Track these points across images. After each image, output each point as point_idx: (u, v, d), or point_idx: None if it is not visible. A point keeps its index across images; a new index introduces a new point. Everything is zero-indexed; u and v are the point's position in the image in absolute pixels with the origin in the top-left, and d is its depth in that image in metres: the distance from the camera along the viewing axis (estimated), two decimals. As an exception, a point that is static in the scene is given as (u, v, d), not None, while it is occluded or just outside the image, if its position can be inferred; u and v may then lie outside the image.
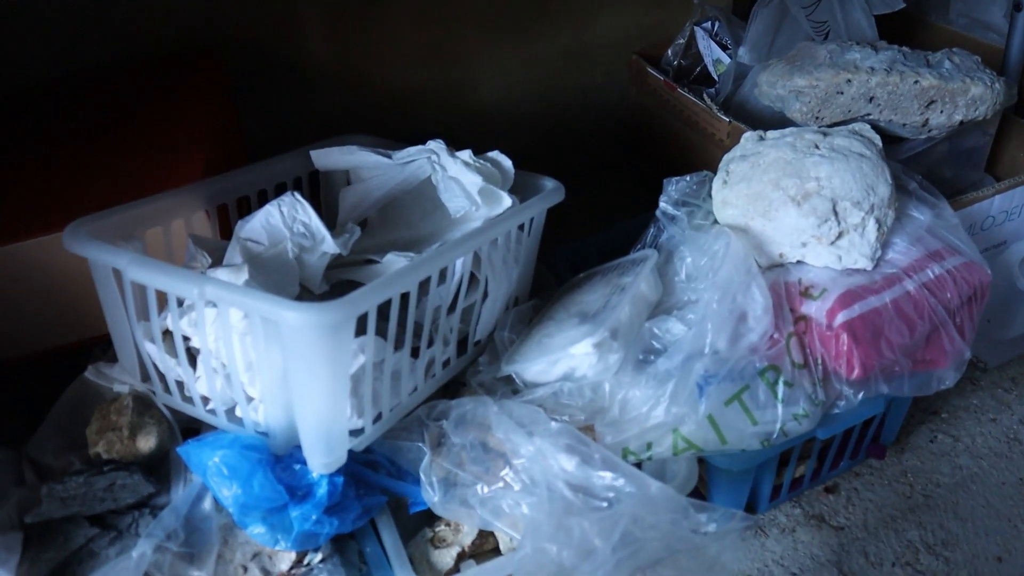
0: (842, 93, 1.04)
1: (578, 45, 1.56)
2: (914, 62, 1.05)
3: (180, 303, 0.82)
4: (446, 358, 0.96)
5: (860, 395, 0.96)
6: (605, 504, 0.80)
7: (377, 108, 1.43)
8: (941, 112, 1.05)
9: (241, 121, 1.30)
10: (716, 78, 1.43)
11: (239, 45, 1.30)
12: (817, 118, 1.07)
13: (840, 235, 0.96)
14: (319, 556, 0.87)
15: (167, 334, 0.86)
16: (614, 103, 1.58)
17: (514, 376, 0.95)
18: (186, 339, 0.85)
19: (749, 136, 1.05)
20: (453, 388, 1.01)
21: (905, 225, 1.01)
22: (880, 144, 1.00)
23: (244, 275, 0.82)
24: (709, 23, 1.43)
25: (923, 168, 1.08)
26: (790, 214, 0.96)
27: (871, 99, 1.04)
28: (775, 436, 0.92)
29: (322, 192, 1.13)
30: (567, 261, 1.20)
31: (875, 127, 1.04)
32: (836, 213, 0.95)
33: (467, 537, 0.90)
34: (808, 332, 0.96)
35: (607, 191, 1.44)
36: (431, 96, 1.48)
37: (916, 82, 1.02)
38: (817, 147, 0.98)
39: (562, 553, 0.76)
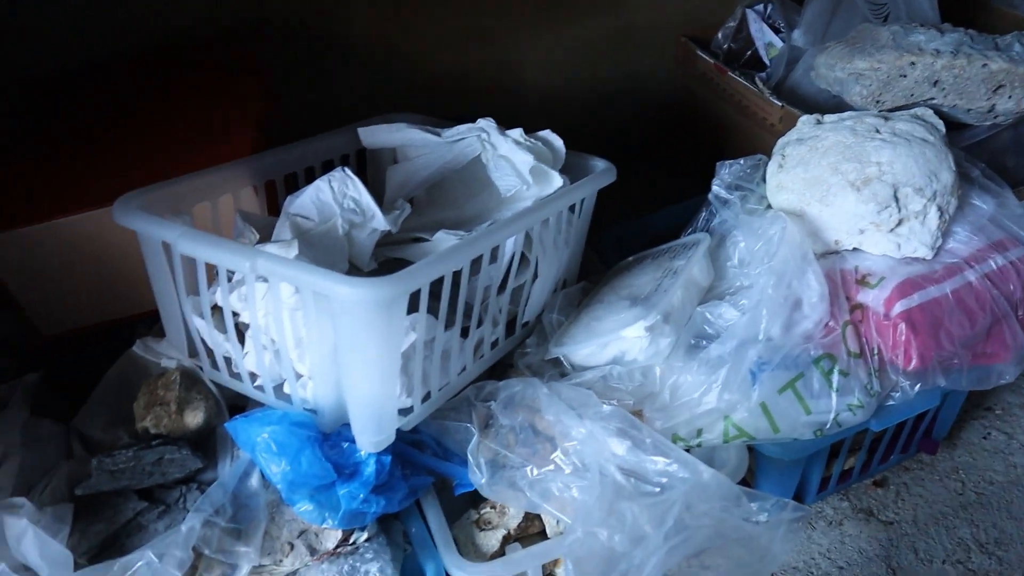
0: (905, 76, 1.01)
1: (624, 27, 1.53)
2: (982, 45, 1.02)
3: (230, 277, 0.82)
4: (495, 339, 0.94)
5: (917, 387, 0.93)
6: (657, 489, 0.79)
7: (421, 88, 1.42)
8: (1009, 97, 1.01)
9: (285, 101, 1.30)
10: (767, 62, 1.40)
11: (286, 25, 1.30)
12: (878, 102, 1.04)
13: (900, 222, 0.93)
14: (364, 535, 0.86)
15: (216, 309, 0.86)
16: (660, 87, 1.55)
17: (562, 359, 0.93)
18: (235, 314, 0.85)
19: (806, 119, 1.02)
20: (500, 370, 1.00)
21: (967, 214, 0.98)
22: (943, 130, 0.97)
23: (294, 250, 0.81)
24: (761, 6, 1.40)
25: (986, 156, 1.04)
26: (848, 199, 0.93)
27: (935, 83, 1.00)
28: (828, 426, 0.90)
29: (368, 171, 1.12)
30: (614, 245, 1.18)
31: (938, 112, 1.01)
32: (897, 199, 0.92)
33: (513, 520, 0.89)
34: (864, 321, 0.93)
35: (651, 176, 1.42)
36: (475, 77, 1.46)
37: (984, 65, 0.98)
38: (878, 131, 0.95)
39: (613, 538, 0.75)
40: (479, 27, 1.44)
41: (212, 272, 0.85)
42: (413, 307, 0.76)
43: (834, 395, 0.89)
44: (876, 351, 0.92)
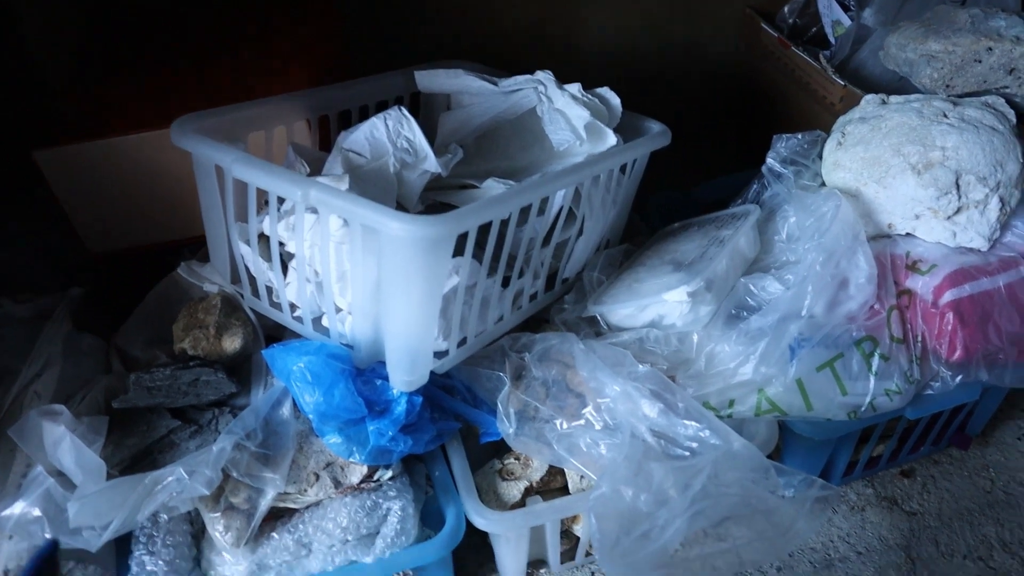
0: (980, 62, 0.98)
1: (688, -8, 1.50)
2: (1063, 35, 0.98)
3: (279, 207, 0.82)
4: (534, 291, 0.94)
5: (958, 379, 0.92)
6: (687, 454, 0.79)
7: (483, 39, 1.40)
8: (1085, 92, 0.98)
9: (351, 40, 1.29)
10: (833, 40, 1.36)
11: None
12: (948, 86, 1.01)
13: (959, 210, 0.91)
14: (389, 474, 0.87)
15: (262, 237, 0.86)
16: (723, 56, 1.52)
17: (599, 318, 0.93)
18: (281, 244, 0.85)
19: (871, 99, 1.00)
20: (535, 324, 1.00)
21: (1029, 208, 0.95)
22: (1014, 120, 0.95)
23: (345, 184, 0.81)
24: (832, -19, 1.36)
25: (1052, 152, 1.01)
26: (908, 182, 0.91)
27: (1011, 71, 0.97)
28: (863, 409, 0.89)
29: (421, 115, 1.11)
30: (661, 210, 1.17)
31: (1010, 102, 0.97)
32: (958, 187, 0.90)
33: (536, 473, 0.90)
34: (911, 307, 0.92)
35: (705, 144, 1.39)
36: (536, 32, 1.44)
37: (1064, 56, 0.95)
38: (946, 116, 0.93)
39: (639, 497, 0.75)
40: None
41: (261, 200, 0.85)
42: (458, 251, 0.76)
43: (872, 378, 0.88)
44: (920, 338, 0.91)
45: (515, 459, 0.92)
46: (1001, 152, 0.90)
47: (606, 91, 0.97)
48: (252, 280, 0.90)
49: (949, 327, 0.89)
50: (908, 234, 0.96)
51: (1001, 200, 0.91)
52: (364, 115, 0.98)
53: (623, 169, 0.97)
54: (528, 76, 0.98)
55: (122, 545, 0.83)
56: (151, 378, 0.86)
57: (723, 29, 1.49)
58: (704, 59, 1.53)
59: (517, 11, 1.41)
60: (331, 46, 1.16)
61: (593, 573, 1.00)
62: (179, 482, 0.77)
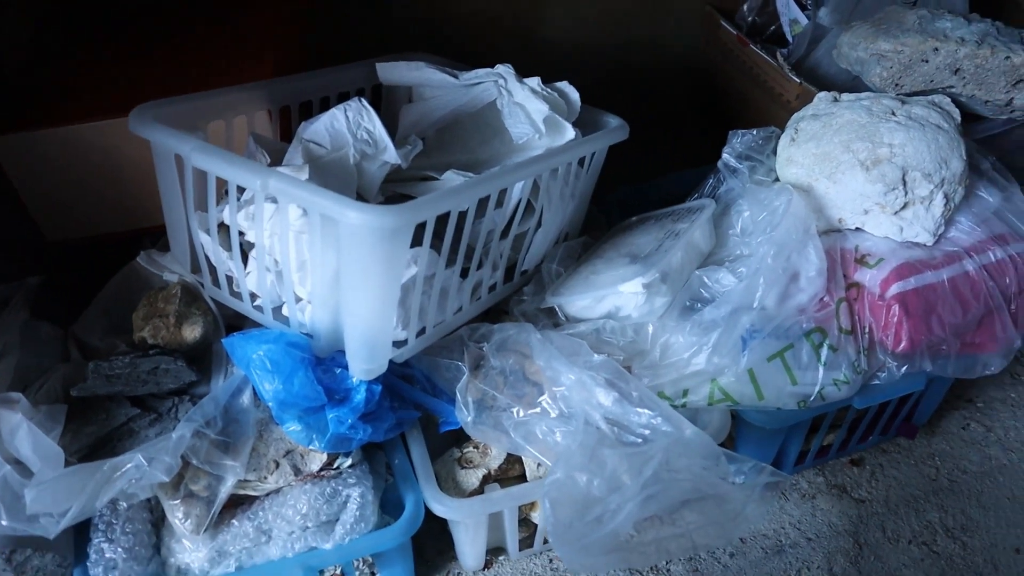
0: (927, 61, 1.01)
1: (652, -11, 1.52)
2: (1007, 37, 1.01)
3: (239, 196, 0.82)
4: (493, 283, 0.96)
5: (903, 369, 0.95)
6: (639, 441, 0.81)
7: (447, 32, 1.41)
8: (1027, 92, 1.01)
9: (312, 29, 1.29)
10: (790, 39, 1.39)
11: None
12: (896, 85, 1.04)
13: (905, 206, 0.94)
14: (349, 461, 0.88)
15: (222, 227, 0.87)
16: (683, 53, 1.54)
17: (557, 309, 0.95)
18: (241, 234, 0.86)
19: (823, 96, 1.02)
20: (494, 315, 1.01)
21: (972, 205, 0.99)
22: (959, 119, 0.98)
23: (304, 175, 0.81)
24: (790, -19, 1.38)
25: (998, 152, 1.04)
26: (857, 178, 0.94)
27: (956, 71, 1.00)
28: (812, 398, 0.92)
29: (383, 107, 1.12)
30: (620, 204, 1.19)
31: (955, 101, 1.01)
32: (905, 182, 0.93)
33: (494, 461, 0.91)
34: (859, 300, 0.94)
35: (664, 140, 1.42)
36: (499, 25, 1.46)
37: (1007, 58, 0.98)
38: (894, 114, 0.96)
39: (592, 483, 0.76)
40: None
41: (221, 190, 0.85)
42: (416, 242, 0.77)
43: (821, 369, 0.91)
44: (867, 330, 0.94)
45: (474, 447, 0.93)
46: (946, 150, 0.93)
47: (565, 85, 0.99)
48: (212, 269, 0.91)
49: (895, 319, 0.92)
50: (858, 228, 0.99)
51: (946, 196, 0.94)
52: (326, 106, 0.98)
53: (581, 163, 0.99)
54: (489, 70, 0.99)
55: (81, 533, 0.83)
56: (110, 366, 0.86)
57: (684, 26, 1.52)
58: (665, 55, 1.56)
59: (481, 4, 1.42)
60: (295, 36, 1.16)
61: (551, 560, 1.01)
62: (138, 469, 0.77)
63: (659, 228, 1.00)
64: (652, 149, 1.40)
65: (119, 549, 0.81)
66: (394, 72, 1.03)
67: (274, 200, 0.78)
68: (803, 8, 1.38)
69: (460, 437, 0.93)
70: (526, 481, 0.91)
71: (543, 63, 1.32)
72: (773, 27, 1.43)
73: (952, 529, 1.06)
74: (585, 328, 0.91)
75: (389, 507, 0.90)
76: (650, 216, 1.07)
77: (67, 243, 1.01)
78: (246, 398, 0.86)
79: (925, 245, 0.96)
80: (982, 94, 1.02)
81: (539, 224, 0.96)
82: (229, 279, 0.90)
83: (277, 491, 0.87)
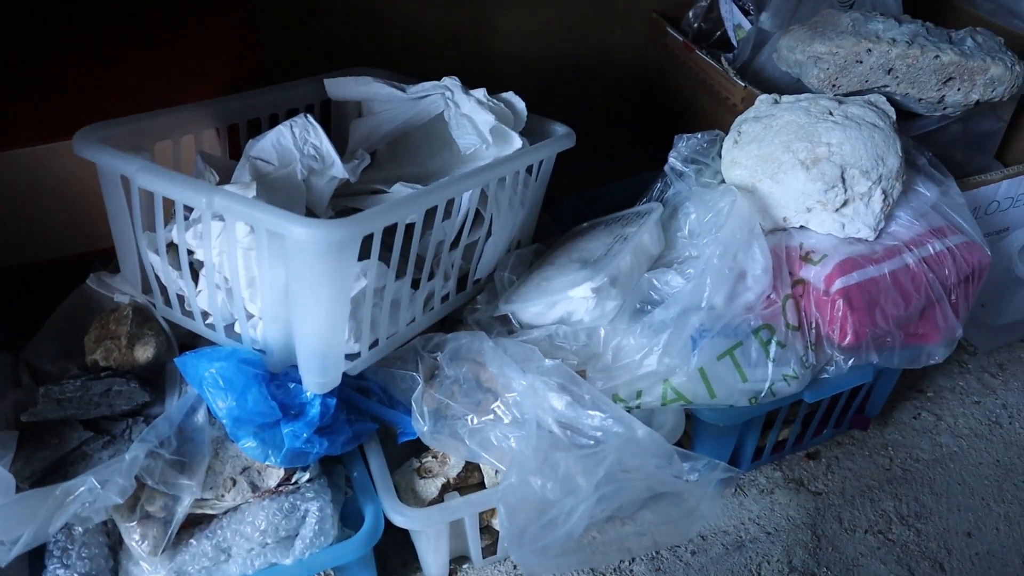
0: (861, 62, 1.03)
1: (601, -2, 1.54)
2: (936, 37, 1.05)
3: (187, 215, 0.83)
4: (445, 293, 0.96)
5: (850, 362, 0.97)
6: (592, 443, 0.82)
7: (396, 45, 1.42)
8: (958, 90, 1.04)
9: (260, 46, 1.29)
10: (735, 43, 1.42)
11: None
12: (834, 86, 1.07)
13: (845, 203, 0.96)
14: (307, 476, 0.88)
15: (171, 246, 0.87)
16: (631, 59, 1.56)
17: (510, 316, 0.96)
18: (190, 252, 0.86)
19: (764, 99, 1.05)
20: (449, 325, 1.02)
21: (911, 200, 1.01)
22: (894, 116, 1.00)
23: (252, 192, 0.82)
24: (733, -13, 1.41)
25: (934, 148, 1.08)
26: (798, 178, 0.96)
27: (889, 71, 1.03)
28: (763, 394, 0.93)
29: (333, 122, 1.13)
30: (573, 211, 1.20)
31: (891, 100, 1.04)
32: (844, 180, 0.95)
33: (453, 470, 0.92)
34: (805, 296, 0.97)
35: (617, 146, 1.44)
36: (449, 37, 1.47)
37: (936, 57, 1.01)
38: (831, 114, 0.98)
39: (546, 486, 0.77)
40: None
41: (169, 210, 0.85)
42: (365, 254, 0.78)
43: (770, 365, 0.93)
44: (814, 325, 0.96)
45: (433, 457, 0.94)
46: (882, 147, 0.96)
47: (511, 96, 1.00)
48: (163, 289, 0.91)
49: (840, 313, 0.94)
50: (802, 227, 1.01)
51: (884, 192, 0.96)
52: (275, 123, 0.98)
53: (530, 171, 1.00)
54: (435, 82, 1.00)
55: (37, 560, 0.83)
56: (61, 390, 0.85)
57: (632, 34, 1.54)
58: (614, 63, 1.58)
59: (430, 17, 1.43)
60: (243, 54, 1.16)
61: (515, 566, 1.02)
62: (91, 492, 0.77)
63: (609, 233, 1.01)
64: (605, 155, 1.42)
65: (76, 574, 0.81)
66: (342, 87, 1.04)
67: (221, 218, 0.78)
68: (746, 13, 1.40)
69: (419, 447, 0.93)
70: (485, 488, 0.92)
71: (495, 75, 1.33)
72: (718, 33, 1.45)
73: (906, 517, 1.08)
74: (538, 334, 0.92)
75: (350, 520, 0.90)
76: (600, 221, 1.09)
77: (17, 268, 1.00)
78: (201, 416, 0.86)
79: (867, 240, 0.99)
80: (915, 92, 1.05)
81: (489, 233, 0.97)
82: (180, 298, 0.90)
83: (235, 508, 0.87)
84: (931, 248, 0.98)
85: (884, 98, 1.02)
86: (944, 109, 1.08)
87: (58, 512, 0.76)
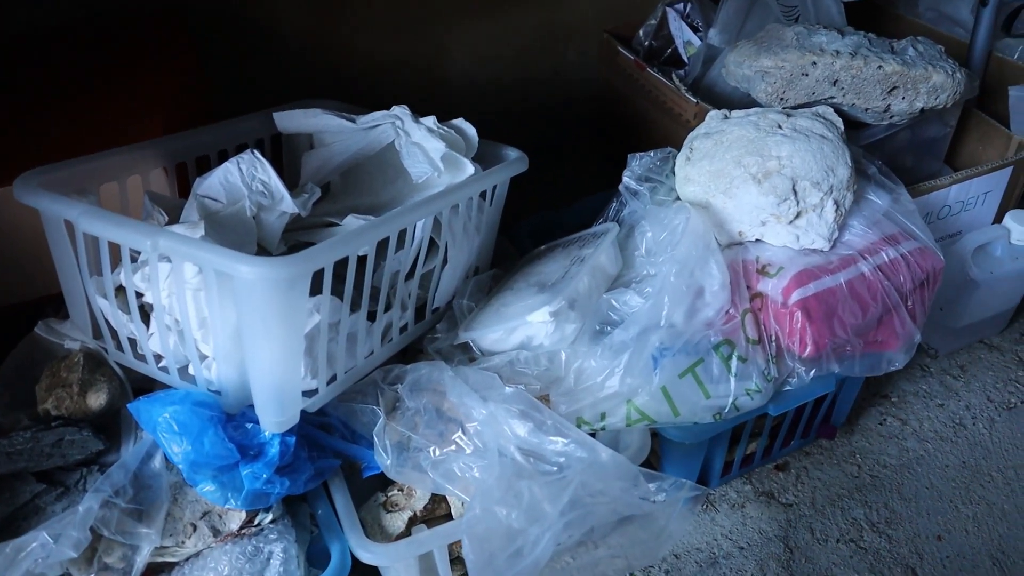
0: (807, 75, 1.05)
1: (551, 21, 1.56)
2: (879, 48, 1.06)
3: (134, 258, 0.81)
4: (404, 323, 0.95)
5: (812, 373, 0.97)
6: (555, 469, 0.81)
7: (348, 76, 1.42)
8: (903, 99, 1.06)
9: (209, 82, 1.28)
10: (686, 60, 1.43)
11: (214, 8, 1.29)
12: (782, 99, 1.08)
13: (799, 215, 0.97)
14: (270, 516, 0.86)
15: (120, 290, 0.85)
16: (584, 80, 1.58)
17: (471, 343, 0.95)
18: (139, 295, 0.84)
19: (714, 114, 1.06)
20: (410, 355, 1.01)
21: (863, 208, 1.02)
22: (842, 127, 1.02)
23: (200, 231, 0.81)
24: (681, 4, 1.43)
25: (884, 156, 1.09)
26: (750, 192, 0.97)
27: (835, 82, 1.05)
28: (727, 410, 0.93)
29: (284, 156, 1.12)
30: (530, 234, 1.20)
31: (838, 111, 1.05)
32: (795, 192, 0.96)
33: (419, 502, 0.90)
34: (763, 309, 0.97)
35: (574, 167, 1.45)
36: (401, 65, 1.47)
37: (880, 67, 1.03)
38: (780, 127, 0.99)
39: (511, 515, 0.76)
40: (409, 16, 1.45)
41: (116, 253, 0.84)
42: (317, 289, 0.77)
43: (733, 380, 0.93)
44: (774, 338, 0.96)
45: (399, 490, 0.92)
46: (831, 158, 0.97)
47: (461, 122, 1.00)
48: (114, 334, 0.89)
49: (799, 325, 0.95)
50: (758, 240, 1.01)
51: (836, 203, 0.97)
52: (223, 159, 0.97)
53: (484, 196, 1.00)
54: (385, 112, 1.00)
55: (-10, 621, 0.80)
56: (10, 443, 0.83)
57: (584, 55, 1.56)
58: (568, 84, 1.59)
59: (383, 47, 1.43)
60: (190, 90, 1.15)
61: (488, 595, 1.01)
62: (44, 547, 0.75)
63: (566, 255, 1.01)
64: (562, 177, 1.43)
65: (32, 633, 0.78)
66: (291, 120, 1.03)
67: (168, 259, 0.77)
68: (695, 30, 1.42)
69: (385, 481, 0.92)
70: (453, 519, 0.91)
71: (449, 101, 1.34)
72: (669, 50, 1.47)
73: (877, 523, 1.09)
74: (500, 360, 0.91)
75: (316, 559, 0.88)
76: (557, 244, 1.09)
77: (-37, 318, 0.98)
78: (157, 462, 0.84)
79: (822, 251, 0.99)
80: (861, 103, 1.06)
81: (445, 261, 0.96)
82: (132, 342, 0.88)
83: (197, 554, 0.85)
84: (885, 256, 0.99)
85: (832, 109, 1.04)
86: (891, 118, 1.10)
87: (10, 570, 0.74)
